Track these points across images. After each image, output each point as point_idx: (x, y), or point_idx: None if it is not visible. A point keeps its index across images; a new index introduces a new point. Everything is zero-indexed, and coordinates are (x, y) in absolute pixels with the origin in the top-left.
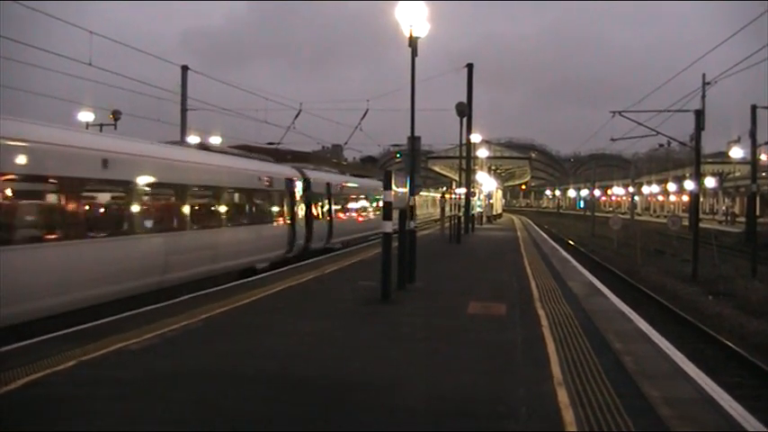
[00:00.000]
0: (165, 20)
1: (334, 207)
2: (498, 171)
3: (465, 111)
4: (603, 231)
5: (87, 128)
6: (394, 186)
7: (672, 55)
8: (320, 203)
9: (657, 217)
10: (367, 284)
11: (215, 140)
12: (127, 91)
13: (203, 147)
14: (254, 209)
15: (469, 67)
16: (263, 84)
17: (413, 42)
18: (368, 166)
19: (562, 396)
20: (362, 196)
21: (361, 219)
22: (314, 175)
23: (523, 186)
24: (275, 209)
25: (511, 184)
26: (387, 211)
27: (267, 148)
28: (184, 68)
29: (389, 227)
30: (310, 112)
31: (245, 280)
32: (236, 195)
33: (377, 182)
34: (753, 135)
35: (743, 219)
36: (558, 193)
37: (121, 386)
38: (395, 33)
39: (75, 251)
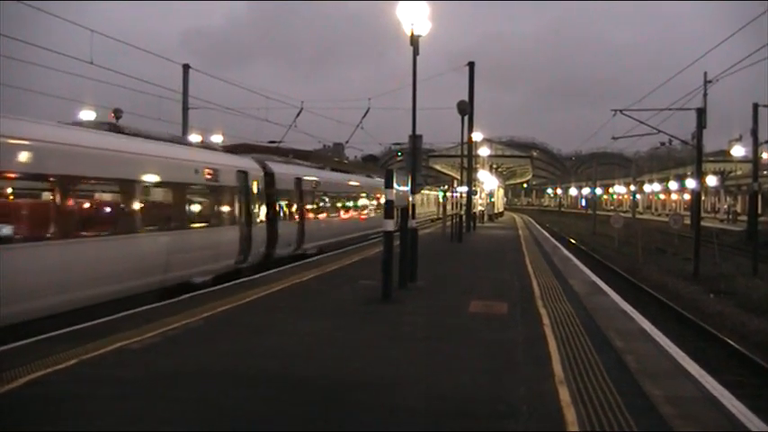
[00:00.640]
0: (166, 19)
1: (307, 206)
2: (499, 169)
3: (466, 109)
4: (605, 230)
5: None
6: (395, 185)
7: (673, 54)
8: (289, 202)
9: (659, 215)
10: (368, 283)
11: (216, 139)
12: (128, 89)
13: (114, 128)
14: (187, 209)
15: (471, 65)
16: (264, 83)
17: (414, 41)
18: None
19: (564, 395)
20: (348, 194)
21: (345, 220)
22: (280, 168)
23: (524, 185)
24: (222, 209)
25: (512, 182)
26: (388, 209)
27: (268, 147)
28: (186, 67)
29: (391, 225)
30: (311, 110)
31: (245, 279)
32: (158, 192)
33: (367, 178)
34: (754, 133)
35: (744, 217)
36: (559, 191)
37: (122, 385)
38: (396, 32)
39: None
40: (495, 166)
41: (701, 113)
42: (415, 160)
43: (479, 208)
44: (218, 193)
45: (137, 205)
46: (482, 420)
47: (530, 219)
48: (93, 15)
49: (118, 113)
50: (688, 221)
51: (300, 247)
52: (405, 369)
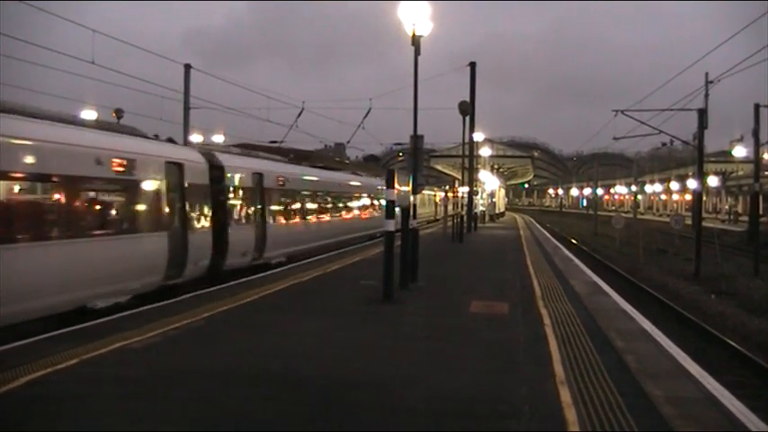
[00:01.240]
0: (167, 19)
1: (273, 207)
2: (501, 170)
3: (468, 109)
4: (606, 230)
5: None
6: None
7: (674, 54)
8: (245, 202)
9: (660, 216)
10: (369, 283)
11: (218, 139)
12: (129, 89)
13: None
14: (82, 211)
15: (472, 65)
16: (266, 82)
17: (415, 41)
18: (371, 165)
19: (564, 395)
20: (329, 193)
21: (325, 223)
22: (233, 161)
23: (526, 185)
24: (140, 210)
25: (513, 182)
26: (389, 209)
27: (270, 147)
28: (187, 67)
29: (392, 225)
30: (313, 110)
31: (246, 279)
32: (33, 188)
33: (353, 176)
34: (755, 134)
35: (746, 218)
36: (560, 191)
37: (123, 385)
38: (397, 33)
39: None
40: (496, 166)
41: (703, 114)
42: (416, 160)
43: (480, 208)
44: (135, 190)
45: (17, 209)
46: (483, 420)
47: (531, 219)
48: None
49: (119, 113)
50: (689, 222)
51: (262, 256)
52: (406, 369)
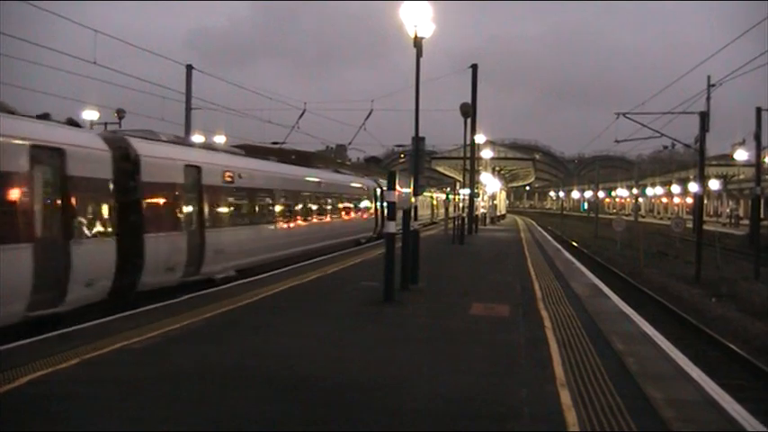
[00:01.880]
0: (170, 20)
1: (218, 210)
2: (502, 172)
3: (469, 111)
4: (607, 233)
5: (92, 127)
6: (378, 185)
7: (676, 57)
8: (174, 203)
9: (661, 219)
10: (369, 285)
11: (219, 139)
12: (131, 90)
13: None
14: None
15: (474, 67)
16: (267, 84)
17: (417, 43)
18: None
19: (565, 397)
20: (301, 193)
21: (294, 228)
22: (154, 150)
23: (526, 188)
24: None
25: (515, 185)
26: (390, 211)
27: (271, 148)
28: (189, 68)
29: (392, 227)
30: (314, 112)
31: (247, 280)
32: None
33: (334, 174)
34: (757, 137)
35: (746, 221)
36: (561, 194)
37: (124, 385)
38: (399, 34)
39: None
40: (497, 168)
41: (705, 117)
42: (417, 162)
43: (481, 210)
44: None
45: None
46: (484, 422)
47: (532, 221)
48: (96, 15)
49: (121, 114)
50: (690, 225)
51: (200, 271)
52: (407, 370)
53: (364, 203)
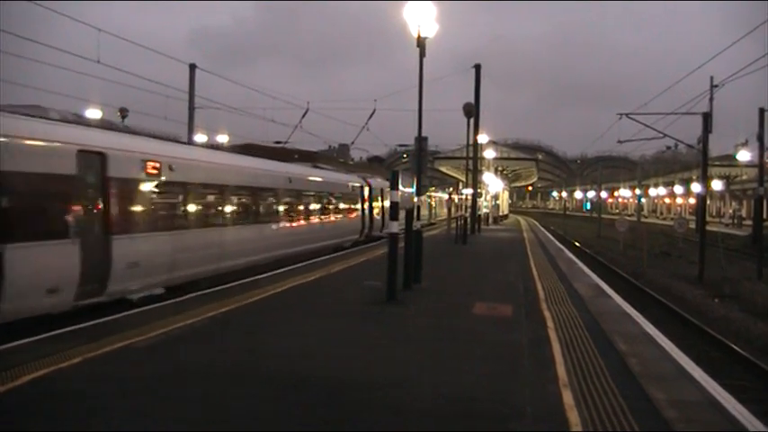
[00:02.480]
0: (173, 19)
1: (134, 210)
2: (505, 172)
3: (472, 111)
4: (610, 233)
5: None
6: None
7: (679, 58)
8: (56, 201)
9: (664, 219)
10: (372, 284)
11: (221, 139)
12: (135, 89)
13: None
14: None
15: (477, 67)
16: (270, 83)
17: (421, 43)
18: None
19: (567, 397)
20: (263, 191)
21: (251, 232)
22: (29, 128)
23: (529, 188)
24: None
25: (517, 185)
26: (393, 211)
27: (274, 147)
28: (192, 67)
29: (395, 227)
30: (317, 111)
31: (250, 279)
32: None
33: (312, 169)
34: (760, 138)
35: (749, 222)
36: (564, 194)
37: (126, 384)
38: (403, 34)
39: None
40: (500, 168)
41: (708, 118)
42: (420, 162)
43: (484, 210)
44: None
45: None
46: (487, 421)
47: (534, 221)
48: (100, 14)
49: (123, 112)
50: (693, 225)
51: (105, 291)
52: (409, 370)
53: (349, 203)
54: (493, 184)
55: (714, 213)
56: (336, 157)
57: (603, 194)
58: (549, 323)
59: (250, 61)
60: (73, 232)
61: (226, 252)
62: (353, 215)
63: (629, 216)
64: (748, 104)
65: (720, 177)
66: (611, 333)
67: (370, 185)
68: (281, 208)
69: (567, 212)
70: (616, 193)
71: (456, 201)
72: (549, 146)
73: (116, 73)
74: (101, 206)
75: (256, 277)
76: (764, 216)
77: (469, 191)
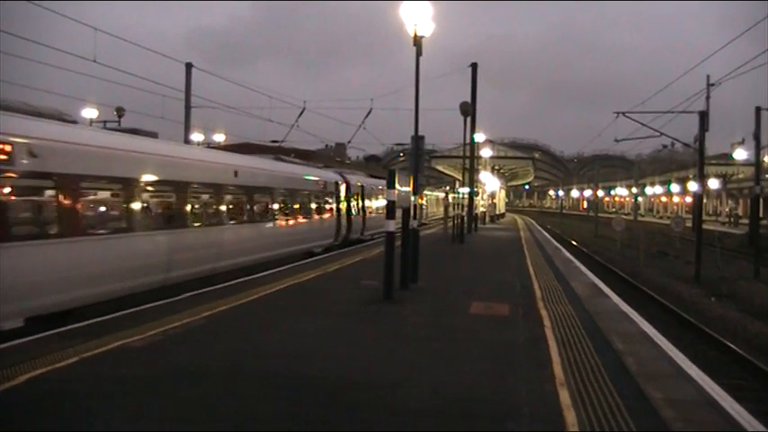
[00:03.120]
0: (170, 19)
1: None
2: (501, 171)
3: (469, 110)
4: (606, 232)
5: (91, 125)
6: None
7: (676, 57)
8: None
9: (661, 218)
10: (369, 284)
11: (218, 138)
12: (131, 88)
13: None
14: None
15: (474, 66)
16: (267, 82)
17: (417, 42)
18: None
19: (564, 397)
20: (180, 185)
21: (164, 239)
22: None
23: (526, 186)
24: None
25: (514, 183)
26: (390, 210)
27: (270, 146)
28: (188, 66)
29: (392, 226)
30: (314, 110)
31: (248, 278)
32: None
33: (277, 163)
34: (756, 137)
35: (746, 220)
36: (561, 193)
37: (123, 383)
38: (399, 33)
39: None
40: (497, 167)
41: (704, 116)
42: (417, 161)
43: (481, 209)
44: None
45: None
46: (484, 421)
47: (531, 220)
48: (96, 13)
49: (120, 112)
50: (690, 224)
51: None
52: (406, 369)
53: (321, 202)
54: (490, 182)
55: (711, 212)
56: (333, 156)
57: (600, 193)
58: (546, 322)
59: (247, 61)
60: None
61: (138, 265)
62: (326, 216)
63: (625, 215)
64: (745, 103)
65: (717, 176)
66: (609, 332)
67: (348, 182)
68: (225, 207)
69: (564, 211)
70: (613, 192)
71: (451, 200)
72: (545, 145)
73: (113, 72)
74: None
75: (252, 277)
76: (761, 215)
77: (466, 189)
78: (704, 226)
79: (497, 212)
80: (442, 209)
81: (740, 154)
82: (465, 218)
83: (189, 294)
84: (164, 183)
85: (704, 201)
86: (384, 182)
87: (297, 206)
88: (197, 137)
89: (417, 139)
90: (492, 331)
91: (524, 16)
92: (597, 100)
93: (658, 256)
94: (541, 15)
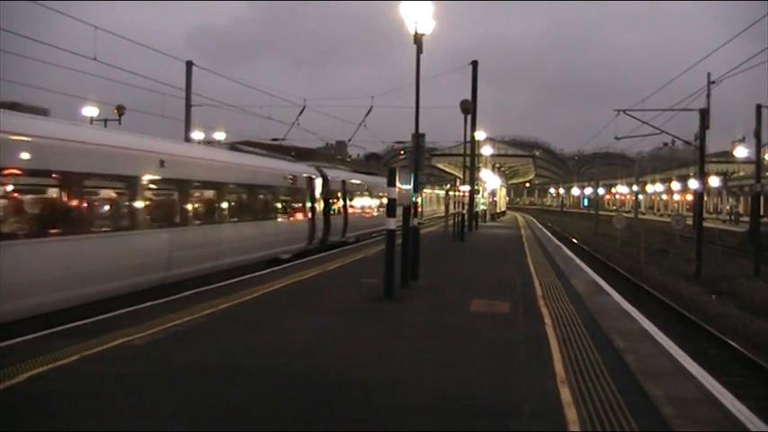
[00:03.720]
0: (170, 17)
1: None
2: (502, 169)
3: (469, 108)
4: (607, 230)
5: (91, 123)
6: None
7: (676, 54)
8: None
9: (661, 216)
10: (370, 282)
11: (219, 136)
12: (132, 86)
13: None
14: None
15: (474, 64)
16: (268, 81)
17: (418, 40)
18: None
19: (565, 394)
20: (107, 178)
21: (81, 246)
22: None
23: (526, 185)
24: None
25: (515, 181)
26: (391, 208)
27: (271, 144)
28: (189, 64)
29: (393, 224)
30: (314, 108)
31: (249, 276)
32: None
33: (222, 152)
34: (757, 134)
35: (746, 218)
36: (561, 191)
37: (124, 381)
38: (400, 31)
39: None
40: (497, 165)
41: (705, 114)
42: (417, 159)
43: (481, 207)
44: None
45: None
46: (484, 419)
47: (532, 218)
48: (96, 12)
49: (120, 110)
50: (690, 222)
51: None
52: (407, 367)
53: (289, 200)
54: (490, 180)
55: (711, 210)
56: (334, 154)
57: (601, 191)
58: (547, 320)
59: (248, 59)
60: None
61: (48, 279)
62: (297, 216)
63: (626, 213)
64: (745, 101)
65: (717, 174)
66: (609, 330)
67: (325, 177)
68: (141, 205)
69: (565, 209)
70: (613, 190)
71: (452, 197)
72: (546, 143)
73: (113, 71)
74: None
75: (255, 274)
76: (762, 212)
77: (467, 187)
78: (705, 224)
79: (498, 210)
80: (439, 207)
81: (741, 152)
82: (465, 216)
83: (190, 293)
84: (76, 175)
85: (705, 198)
86: (370, 177)
87: (256, 205)
88: (198, 135)
89: (418, 136)
90: (492, 329)
91: (525, 14)
92: (597, 98)
93: (659, 253)
94: (542, 13)
